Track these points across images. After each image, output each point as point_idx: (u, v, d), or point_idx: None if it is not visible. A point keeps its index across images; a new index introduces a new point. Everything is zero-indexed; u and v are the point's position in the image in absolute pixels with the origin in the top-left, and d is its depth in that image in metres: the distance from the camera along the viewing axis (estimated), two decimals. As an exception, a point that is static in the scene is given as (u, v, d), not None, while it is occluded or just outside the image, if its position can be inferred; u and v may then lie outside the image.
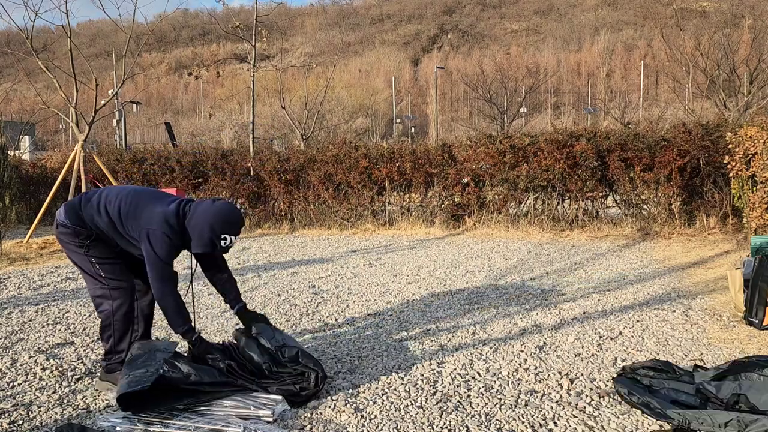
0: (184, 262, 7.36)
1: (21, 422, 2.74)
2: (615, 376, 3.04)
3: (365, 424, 2.67)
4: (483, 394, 2.97)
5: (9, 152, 9.03)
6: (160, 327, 4.36)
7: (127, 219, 3.03)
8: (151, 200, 3.09)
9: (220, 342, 3.42)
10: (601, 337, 3.88)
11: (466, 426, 2.63)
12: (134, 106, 46.91)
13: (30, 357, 3.65)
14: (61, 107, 12.68)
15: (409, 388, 3.06)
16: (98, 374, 3.30)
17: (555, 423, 2.64)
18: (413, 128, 50.52)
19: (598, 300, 4.90)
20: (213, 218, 2.98)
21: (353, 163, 10.33)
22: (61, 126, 51.37)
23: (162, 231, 2.95)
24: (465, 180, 9.89)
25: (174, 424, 2.59)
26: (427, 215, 10.16)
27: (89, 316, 4.72)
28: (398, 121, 52.71)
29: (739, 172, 7.39)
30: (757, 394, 2.59)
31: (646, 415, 2.65)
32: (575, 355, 3.52)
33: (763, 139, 7.08)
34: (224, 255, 3.30)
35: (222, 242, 3.00)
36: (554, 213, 9.39)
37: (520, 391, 3.00)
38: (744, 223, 7.62)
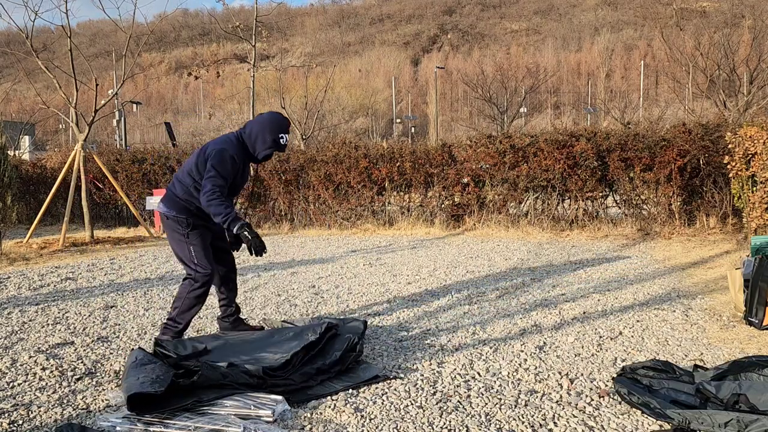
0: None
1: (21, 422, 2.74)
2: (615, 376, 3.04)
3: (365, 424, 2.67)
4: (483, 394, 2.97)
5: (9, 152, 9.03)
6: (160, 327, 4.36)
7: (201, 160, 3.60)
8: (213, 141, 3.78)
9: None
10: (601, 337, 3.88)
11: (466, 426, 2.63)
12: (134, 106, 46.92)
13: (30, 357, 3.65)
14: (61, 107, 12.69)
15: (409, 388, 3.06)
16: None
17: (555, 423, 2.64)
18: (413, 128, 50.49)
19: (598, 300, 4.90)
20: (269, 124, 3.63)
21: (353, 163, 10.33)
22: (61, 126, 51.33)
23: (225, 148, 3.56)
24: (465, 180, 9.88)
25: (174, 424, 2.59)
26: (427, 215, 10.16)
27: (89, 316, 4.72)
28: (398, 121, 52.71)
29: (739, 172, 7.39)
30: (757, 394, 2.58)
31: (646, 415, 2.65)
32: (575, 355, 3.52)
33: (763, 139, 7.08)
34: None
35: (281, 140, 3.65)
36: (554, 213, 9.39)
37: (520, 391, 3.00)
38: (744, 223, 7.62)
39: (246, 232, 3.46)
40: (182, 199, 3.65)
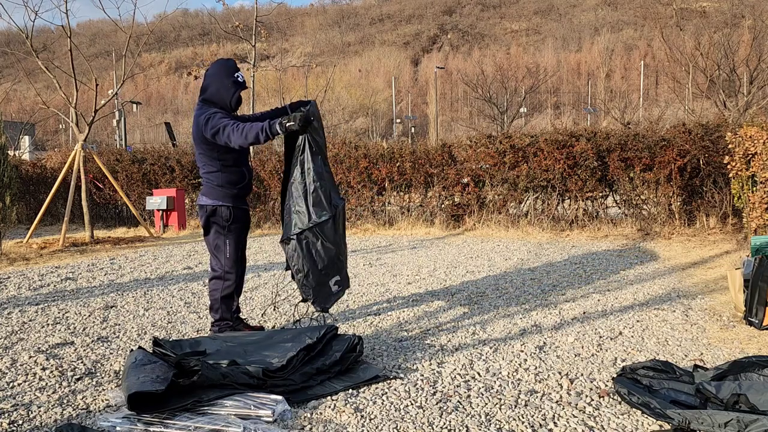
0: (184, 263, 7.36)
1: (21, 422, 2.74)
2: (615, 376, 3.04)
3: (365, 424, 2.67)
4: (483, 394, 2.97)
5: (9, 152, 9.04)
6: (160, 327, 4.37)
7: (203, 141, 3.71)
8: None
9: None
10: (601, 337, 3.88)
11: (466, 426, 2.63)
12: (134, 106, 46.85)
13: (30, 357, 3.65)
14: (61, 107, 12.69)
15: (409, 388, 3.06)
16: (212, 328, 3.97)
17: (555, 423, 2.64)
18: (413, 128, 50.50)
19: (598, 300, 4.90)
20: (221, 70, 3.74)
21: (353, 163, 10.33)
22: (61, 126, 51.35)
23: (204, 112, 3.67)
24: (465, 180, 9.88)
25: (174, 424, 2.58)
26: (427, 215, 10.16)
27: (89, 316, 4.73)
28: (398, 121, 52.72)
29: (739, 172, 7.38)
30: (757, 394, 2.58)
31: (646, 415, 2.65)
32: (575, 355, 3.52)
33: (763, 139, 7.08)
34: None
35: (239, 78, 3.75)
36: (554, 213, 9.39)
37: (520, 391, 3.00)
38: (744, 223, 7.61)
39: (286, 122, 3.50)
40: (223, 184, 3.75)
